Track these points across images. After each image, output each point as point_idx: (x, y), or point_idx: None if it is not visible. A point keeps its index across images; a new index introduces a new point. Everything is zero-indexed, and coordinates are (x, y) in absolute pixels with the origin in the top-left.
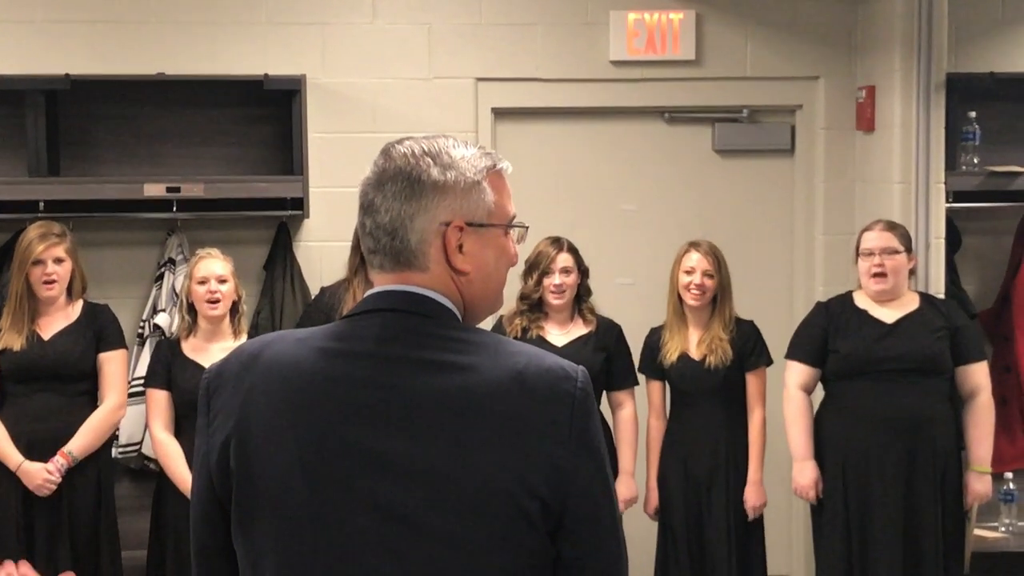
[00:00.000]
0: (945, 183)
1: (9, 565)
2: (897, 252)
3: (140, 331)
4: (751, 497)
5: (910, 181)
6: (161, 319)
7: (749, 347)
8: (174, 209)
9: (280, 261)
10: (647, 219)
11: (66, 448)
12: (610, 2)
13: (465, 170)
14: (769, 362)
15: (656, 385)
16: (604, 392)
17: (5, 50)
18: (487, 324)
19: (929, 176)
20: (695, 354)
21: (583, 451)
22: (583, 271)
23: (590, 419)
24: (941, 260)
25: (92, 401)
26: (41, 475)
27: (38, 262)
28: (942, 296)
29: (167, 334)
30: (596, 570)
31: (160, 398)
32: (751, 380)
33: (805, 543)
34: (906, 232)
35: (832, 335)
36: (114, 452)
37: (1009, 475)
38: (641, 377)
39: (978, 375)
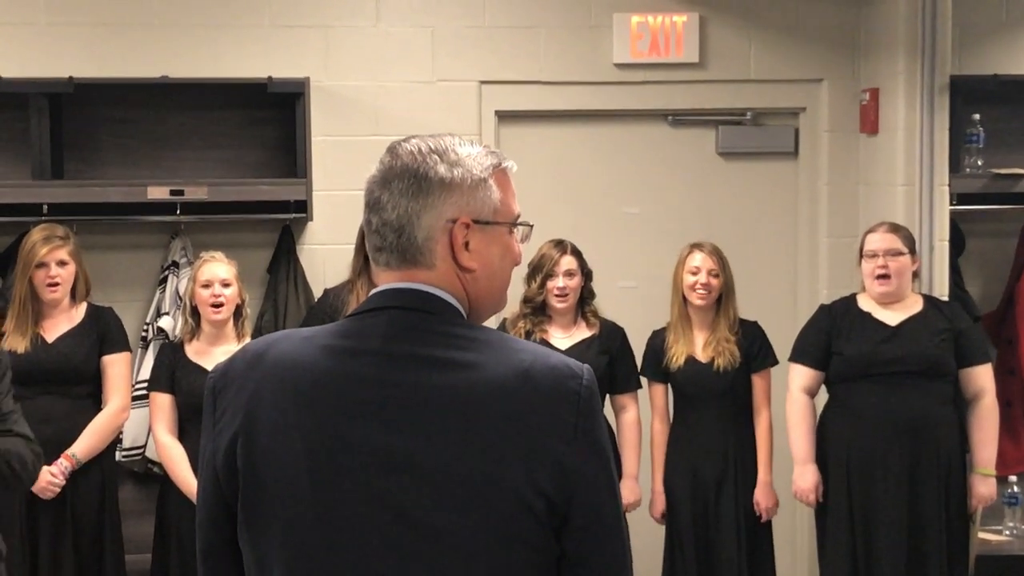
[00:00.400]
0: (949, 185)
1: None
2: (901, 254)
3: (144, 334)
4: (763, 499)
5: (914, 184)
6: (165, 322)
7: (755, 349)
8: (178, 212)
9: (284, 264)
10: (650, 222)
11: (70, 451)
12: (614, 5)
13: (472, 168)
14: (774, 362)
15: (659, 388)
16: (607, 395)
17: (9, 53)
18: (490, 325)
19: (933, 179)
20: (702, 357)
21: (589, 449)
22: (587, 274)
23: (596, 417)
24: (945, 263)
25: (96, 404)
26: (45, 478)
27: (42, 265)
28: (946, 299)
29: (170, 337)
30: (601, 568)
31: (164, 401)
32: (757, 381)
33: (809, 546)
34: (910, 234)
35: (835, 338)
36: (118, 455)
37: (1013, 478)
38: (643, 380)
39: (982, 378)
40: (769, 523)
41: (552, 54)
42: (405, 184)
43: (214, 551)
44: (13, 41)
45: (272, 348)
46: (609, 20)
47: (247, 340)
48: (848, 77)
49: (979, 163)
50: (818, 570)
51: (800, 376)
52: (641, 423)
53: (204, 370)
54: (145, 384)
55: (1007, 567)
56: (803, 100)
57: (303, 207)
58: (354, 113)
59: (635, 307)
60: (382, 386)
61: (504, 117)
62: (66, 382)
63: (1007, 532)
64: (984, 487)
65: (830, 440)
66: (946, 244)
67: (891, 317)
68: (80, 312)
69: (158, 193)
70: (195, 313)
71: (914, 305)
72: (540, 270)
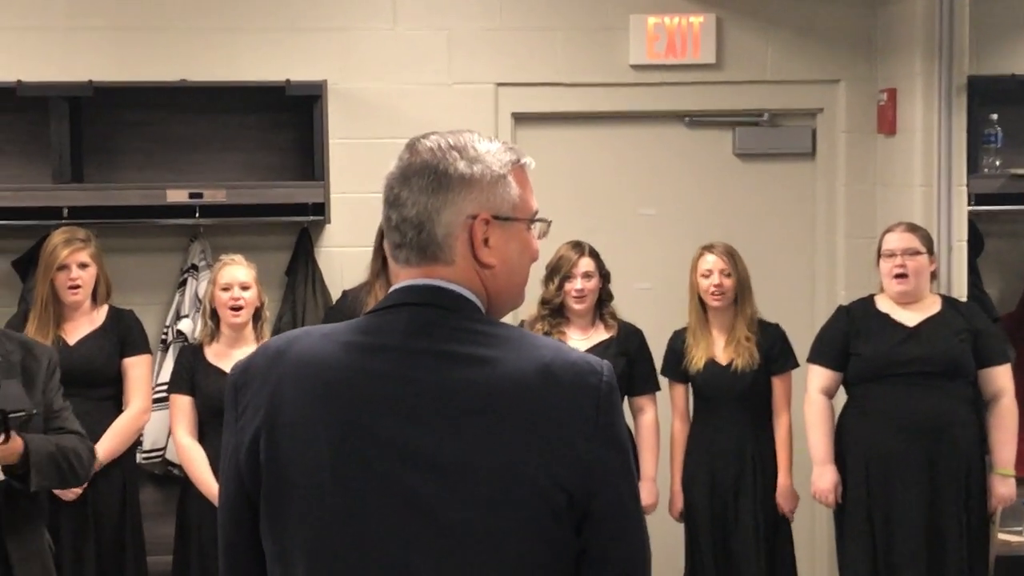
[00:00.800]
0: (967, 186)
1: None
2: (919, 253)
3: (163, 337)
4: (784, 502)
5: (932, 184)
6: (184, 325)
7: (776, 351)
8: (196, 215)
9: (302, 267)
10: (667, 223)
11: None
12: (630, 6)
13: (491, 164)
14: (795, 365)
15: (679, 388)
16: (625, 397)
17: (29, 57)
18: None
19: (951, 179)
20: (722, 359)
21: (609, 444)
22: (604, 275)
23: (615, 413)
24: (963, 263)
25: (117, 406)
26: None
27: (63, 267)
28: (964, 299)
29: (190, 340)
30: (621, 563)
31: (184, 404)
32: (777, 384)
33: (829, 547)
34: (927, 234)
35: (853, 338)
36: (138, 458)
37: None
38: (664, 380)
39: (1002, 378)
40: (789, 524)
41: (568, 56)
42: (425, 181)
43: (236, 546)
44: (33, 45)
45: (293, 345)
46: (625, 21)
47: None
48: (865, 77)
49: (997, 163)
50: (837, 571)
51: (818, 377)
52: (659, 425)
53: (223, 372)
54: (165, 386)
55: None
56: (820, 101)
57: (321, 210)
58: (371, 116)
59: (651, 309)
60: (402, 382)
61: (520, 119)
62: (87, 384)
63: None
64: (1004, 488)
65: (849, 441)
66: (964, 245)
67: (909, 318)
68: (101, 315)
69: (177, 196)
70: (214, 316)
71: (932, 306)
72: (558, 272)
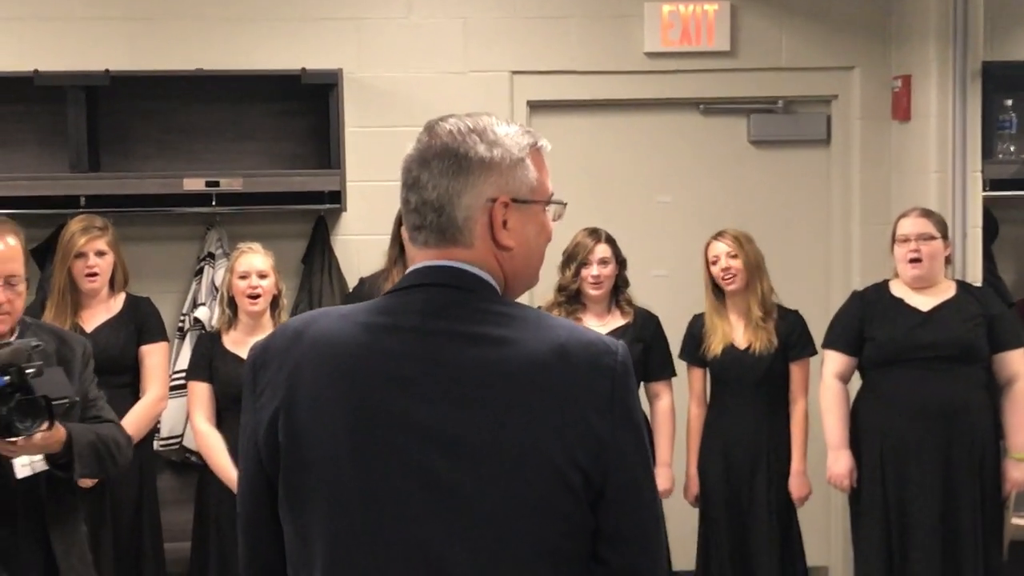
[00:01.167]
0: (982, 172)
1: None
2: (933, 238)
3: (180, 325)
4: (796, 488)
5: (946, 170)
6: (201, 313)
7: (794, 337)
8: (213, 203)
9: (318, 255)
10: (682, 211)
11: None
12: None
13: (510, 147)
14: (813, 352)
15: (697, 372)
16: (641, 383)
17: (46, 47)
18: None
19: (966, 165)
20: (740, 343)
21: (624, 423)
22: (621, 262)
23: (630, 392)
24: (978, 249)
25: (134, 394)
26: None
27: (80, 255)
28: (979, 284)
29: (207, 328)
30: (635, 540)
31: (202, 390)
32: (795, 370)
33: (843, 533)
34: (942, 219)
35: (868, 323)
36: (155, 445)
37: None
38: (681, 364)
39: (1016, 363)
40: (795, 510)
41: (583, 43)
42: (445, 164)
43: (255, 525)
44: (50, 35)
45: (312, 325)
46: (640, 9)
47: None
48: (880, 64)
49: (1012, 149)
50: (852, 555)
51: (833, 362)
52: (675, 411)
53: (241, 360)
54: (182, 374)
55: None
56: (835, 88)
57: (337, 198)
58: (387, 104)
59: (667, 296)
60: (420, 362)
61: (536, 107)
62: (104, 372)
63: None
64: (1018, 472)
65: (863, 426)
66: (979, 230)
67: (924, 303)
68: (118, 302)
69: (194, 185)
70: (232, 303)
71: (947, 291)
72: (575, 258)
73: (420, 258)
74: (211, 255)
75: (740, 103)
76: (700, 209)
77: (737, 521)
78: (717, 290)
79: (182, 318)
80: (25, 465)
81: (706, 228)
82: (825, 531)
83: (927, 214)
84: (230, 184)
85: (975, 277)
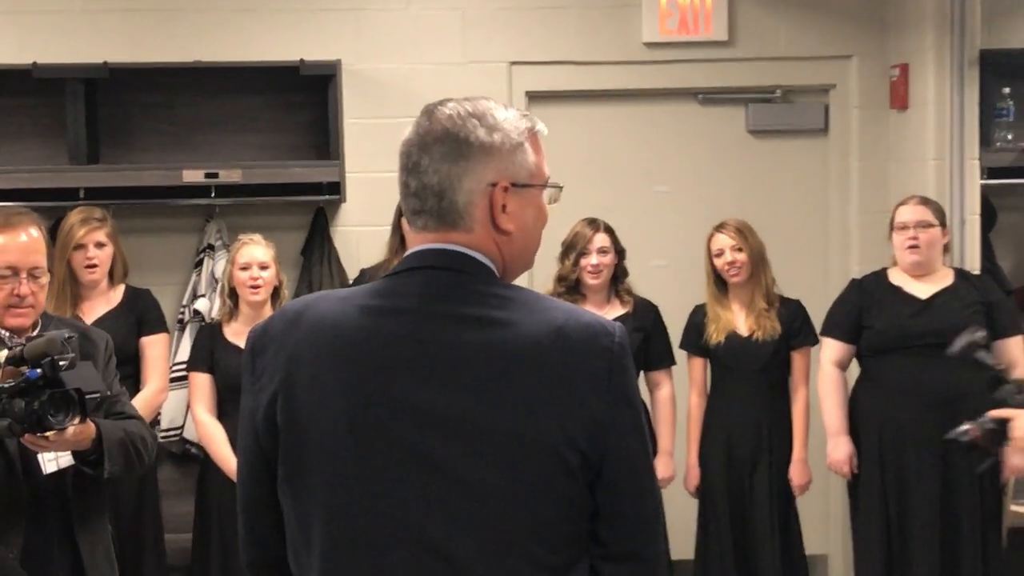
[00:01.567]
0: (979, 160)
1: None
2: (931, 226)
3: (180, 316)
4: (796, 476)
5: (944, 158)
6: (201, 304)
7: (796, 326)
8: (212, 195)
9: (317, 246)
10: (681, 201)
11: None
12: None
13: (510, 131)
14: (815, 341)
15: (698, 362)
16: (642, 372)
17: (45, 39)
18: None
19: (963, 153)
20: (743, 331)
21: (621, 404)
22: (619, 252)
23: (627, 374)
24: (976, 237)
25: (134, 385)
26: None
27: (80, 246)
28: (977, 272)
29: (207, 319)
30: (633, 520)
31: (203, 381)
32: (797, 358)
33: (843, 521)
34: (940, 207)
35: (866, 311)
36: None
37: None
38: (682, 354)
39: (1014, 350)
40: (794, 498)
41: (581, 34)
42: (446, 148)
43: (255, 506)
44: (49, 27)
45: (310, 308)
46: None
47: None
48: (877, 53)
49: (1009, 137)
50: (851, 542)
51: (831, 350)
52: (675, 400)
53: (242, 351)
54: (182, 365)
55: None
56: (833, 77)
57: (336, 189)
58: (386, 95)
59: (666, 286)
60: (419, 344)
61: (534, 97)
62: None
63: None
64: (1017, 459)
65: (862, 413)
66: (977, 218)
67: (922, 290)
68: (118, 294)
69: (193, 176)
70: (233, 295)
71: (945, 278)
72: (574, 248)
73: (419, 241)
74: (211, 247)
75: (738, 93)
76: (699, 199)
77: (737, 510)
78: (719, 280)
79: (182, 310)
80: (51, 460)
81: (705, 218)
82: (824, 519)
83: (925, 202)
84: (229, 176)
85: (973, 265)
